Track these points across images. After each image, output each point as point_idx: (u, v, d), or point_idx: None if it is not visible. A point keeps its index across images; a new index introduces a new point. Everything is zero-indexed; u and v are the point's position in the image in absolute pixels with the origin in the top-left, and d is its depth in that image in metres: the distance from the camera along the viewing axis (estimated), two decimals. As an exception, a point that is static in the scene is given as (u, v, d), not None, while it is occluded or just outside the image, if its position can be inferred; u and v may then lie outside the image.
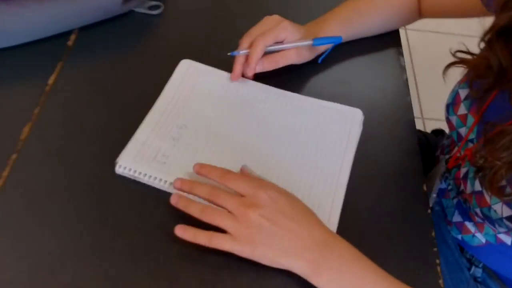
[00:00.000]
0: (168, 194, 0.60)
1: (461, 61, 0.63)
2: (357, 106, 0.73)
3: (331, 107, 0.72)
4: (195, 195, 0.58)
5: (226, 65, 0.75)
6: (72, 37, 0.78)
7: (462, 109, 0.67)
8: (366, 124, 0.72)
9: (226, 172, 0.59)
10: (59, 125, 0.67)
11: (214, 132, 0.67)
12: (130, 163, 0.62)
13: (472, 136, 0.66)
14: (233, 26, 0.84)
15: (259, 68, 0.72)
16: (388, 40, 0.85)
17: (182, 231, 0.55)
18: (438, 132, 0.93)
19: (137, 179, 0.61)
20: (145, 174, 0.61)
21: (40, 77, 0.72)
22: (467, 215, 0.72)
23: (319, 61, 0.76)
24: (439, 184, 0.76)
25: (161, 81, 0.73)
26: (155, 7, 0.84)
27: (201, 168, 0.60)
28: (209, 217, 0.55)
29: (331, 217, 0.61)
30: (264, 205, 0.55)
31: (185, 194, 0.58)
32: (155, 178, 0.61)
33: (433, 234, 0.63)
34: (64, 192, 0.61)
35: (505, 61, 0.56)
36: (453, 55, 0.64)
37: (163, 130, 0.66)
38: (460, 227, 0.73)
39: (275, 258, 0.54)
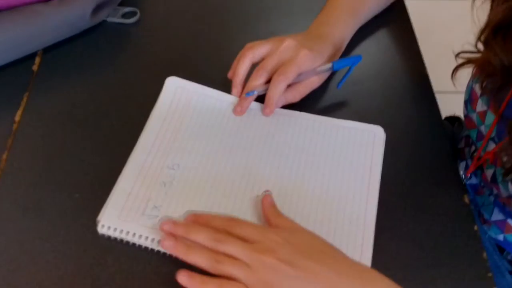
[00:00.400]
0: (164, 256, 0.51)
1: (468, 61, 0.58)
2: (373, 107, 0.64)
3: (348, 126, 0.62)
4: (192, 240, 0.49)
5: (219, 79, 0.64)
6: (37, 60, 0.67)
7: (480, 106, 0.61)
8: (386, 130, 0.62)
9: (229, 218, 0.51)
10: (31, 172, 0.57)
11: (215, 170, 0.57)
12: (114, 221, 0.52)
13: (493, 134, 0.60)
14: (222, 30, 0.73)
15: (280, 104, 0.63)
16: (397, 25, 0.75)
17: (188, 279, 0.47)
18: (453, 120, 0.83)
19: (126, 239, 0.52)
20: (134, 234, 0.51)
21: (5, 114, 0.62)
22: (509, 212, 0.63)
23: (338, 86, 0.66)
24: (469, 180, 0.68)
25: (147, 104, 0.62)
26: (130, 14, 0.72)
27: (198, 219, 0.52)
28: (220, 267, 0.47)
29: (364, 250, 0.53)
30: (279, 248, 0.47)
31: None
32: (147, 238, 0.51)
33: (484, 255, 0.55)
34: (39, 256, 0.51)
35: (508, 60, 0.51)
36: (457, 56, 0.59)
37: (151, 174, 0.56)
38: (502, 226, 0.65)
39: None
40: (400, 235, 0.55)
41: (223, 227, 0.50)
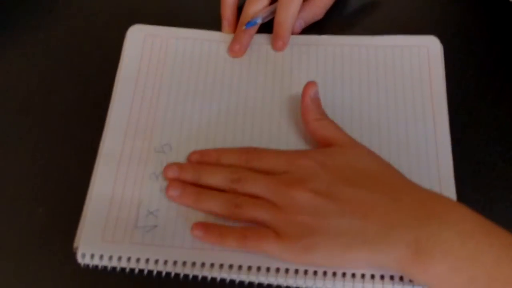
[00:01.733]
0: (178, 280, 0.36)
1: None
2: (418, 7, 0.48)
3: (391, 43, 0.45)
4: (203, 185, 0.38)
5: (204, 18, 0.47)
6: None
7: None
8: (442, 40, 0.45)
9: (245, 149, 0.40)
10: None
11: (221, 143, 0.41)
12: (97, 245, 0.37)
13: None
14: None
15: (297, 30, 0.46)
16: None
17: (204, 232, 0.36)
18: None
19: (120, 267, 0.37)
20: (129, 258, 0.36)
21: None
22: None
23: None
24: None
25: (108, 64, 0.45)
26: None
27: (205, 156, 0.40)
28: (240, 212, 0.36)
29: (443, 180, 0.39)
30: (313, 175, 0.35)
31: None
32: (147, 260, 0.36)
33: None
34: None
35: None
36: None
37: (134, 165, 0.40)
38: None
39: (348, 253, 0.33)
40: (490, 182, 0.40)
41: (239, 162, 0.39)
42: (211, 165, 0.39)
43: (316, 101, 0.40)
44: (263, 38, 0.45)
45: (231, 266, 0.36)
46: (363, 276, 0.35)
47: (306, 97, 0.40)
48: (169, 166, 0.39)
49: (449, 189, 0.38)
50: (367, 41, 0.45)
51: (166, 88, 0.43)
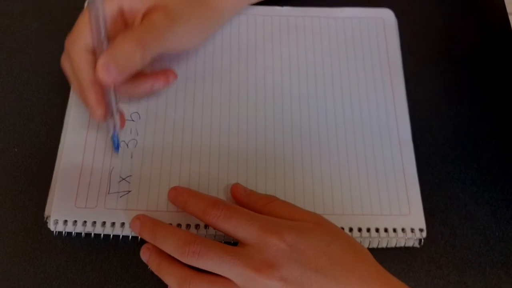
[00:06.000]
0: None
1: None
2: None
3: (350, 15, 0.47)
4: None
5: None
6: None
7: None
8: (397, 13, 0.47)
9: (215, 202, 0.34)
10: None
11: (191, 107, 0.41)
12: (68, 212, 0.36)
13: None
14: None
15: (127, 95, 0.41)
16: None
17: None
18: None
19: (95, 232, 0.37)
20: (103, 223, 0.36)
21: None
22: None
23: None
24: None
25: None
26: None
27: (176, 197, 0.37)
28: None
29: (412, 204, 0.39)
30: (285, 261, 0.32)
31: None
32: (122, 224, 0.36)
33: None
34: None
35: None
36: None
37: (103, 136, 0.39)
38: None
39: None
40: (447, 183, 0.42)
41: (203, 215, 0.34)
42: (165, 228, 0.34)
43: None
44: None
45: (206, 226, 0.37)
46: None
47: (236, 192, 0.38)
48: (132, 222, 0.36)
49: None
50: (327, 13, 0.47)
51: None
